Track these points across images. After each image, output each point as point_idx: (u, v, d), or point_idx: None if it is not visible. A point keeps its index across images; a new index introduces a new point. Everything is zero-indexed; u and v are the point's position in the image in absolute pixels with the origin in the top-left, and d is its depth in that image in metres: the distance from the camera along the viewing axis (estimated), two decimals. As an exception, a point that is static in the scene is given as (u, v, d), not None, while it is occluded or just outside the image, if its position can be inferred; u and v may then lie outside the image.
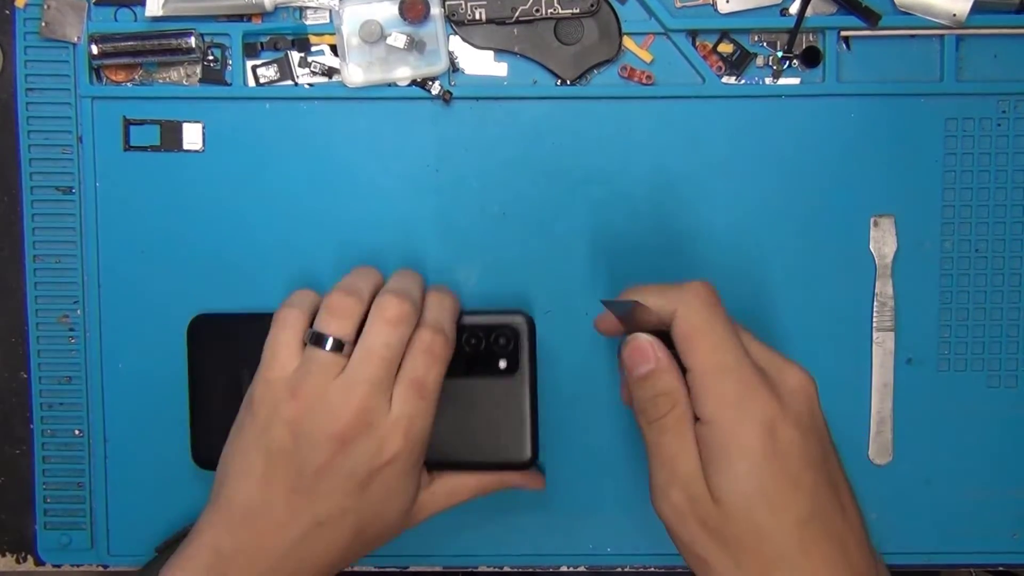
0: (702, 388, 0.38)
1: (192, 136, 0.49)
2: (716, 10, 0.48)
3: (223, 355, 0.47)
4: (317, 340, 0.41)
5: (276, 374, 0.42)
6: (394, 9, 0.47)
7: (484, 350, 0.46)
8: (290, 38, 0.48)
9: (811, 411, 0.38)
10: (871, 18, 0.48)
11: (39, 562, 0.51)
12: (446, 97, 0.48)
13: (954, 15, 0.47)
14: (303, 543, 0.41)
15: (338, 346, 0.41)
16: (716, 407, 0.37)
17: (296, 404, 0.41)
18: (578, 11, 0.48)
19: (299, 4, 0.48)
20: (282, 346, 0.42)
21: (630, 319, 0.40)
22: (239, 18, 0.48)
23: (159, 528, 0.47)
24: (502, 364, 0.46)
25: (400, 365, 0.41)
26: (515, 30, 0.48)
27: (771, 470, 0.36)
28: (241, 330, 0.46)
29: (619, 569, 0.51)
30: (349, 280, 0.43)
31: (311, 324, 0.42)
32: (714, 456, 0.37)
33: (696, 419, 0.38)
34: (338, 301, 0.42)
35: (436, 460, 0.45)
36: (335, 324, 0.41)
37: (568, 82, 0.48)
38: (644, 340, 0.39)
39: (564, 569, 0.51)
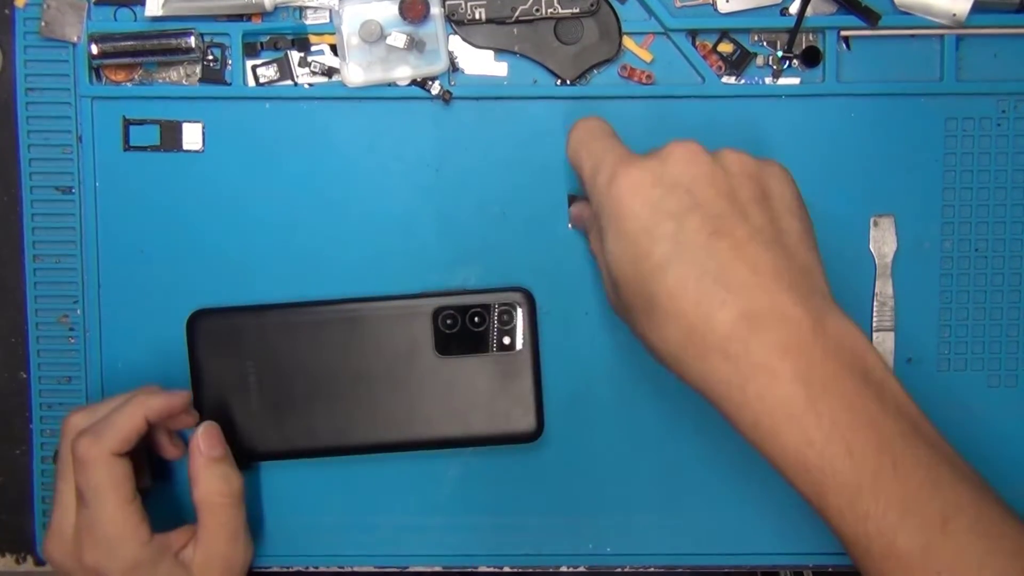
0: (589, 187, 0.40)
1: (192, 136, 0.49)
2: (716, 10, 0.48)
3: (223, 349, 0.47)
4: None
5: None
6: (394, 9, 0.47)
7: (486, 328, 0.47)
8: (290, 38, 0.48)
9: (688, 167, 0.38)
10: (871, 18, 0.48)
11: (39, 562, 0.51)
12: (446, 97, 0.48)
13: (954, 15, 0.47)
14: None
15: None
16: (597, 195, 0.39)
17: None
18: (578, 11, 0.48)
19: (299, 4, 0.48)
20: None
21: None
22: (239, 18, 0.48)
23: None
24: (505, 340, 0.47)
25: None
26: (515, 30, 0.48)
27: (635, 230, 0.37)
28: (241, 323, 0.47)
29: (619, 569, 0.51)
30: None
31: None
32: (602, 224, 0.39)
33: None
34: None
35: (446, 437, 0.47)
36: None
37: (568, 82, 0.48)
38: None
39: (564, 569, 0.51)
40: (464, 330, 0.47)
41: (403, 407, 0.47)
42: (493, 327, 0.47)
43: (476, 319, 0.47)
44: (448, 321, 0.47)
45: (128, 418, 0.44)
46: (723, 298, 0.35)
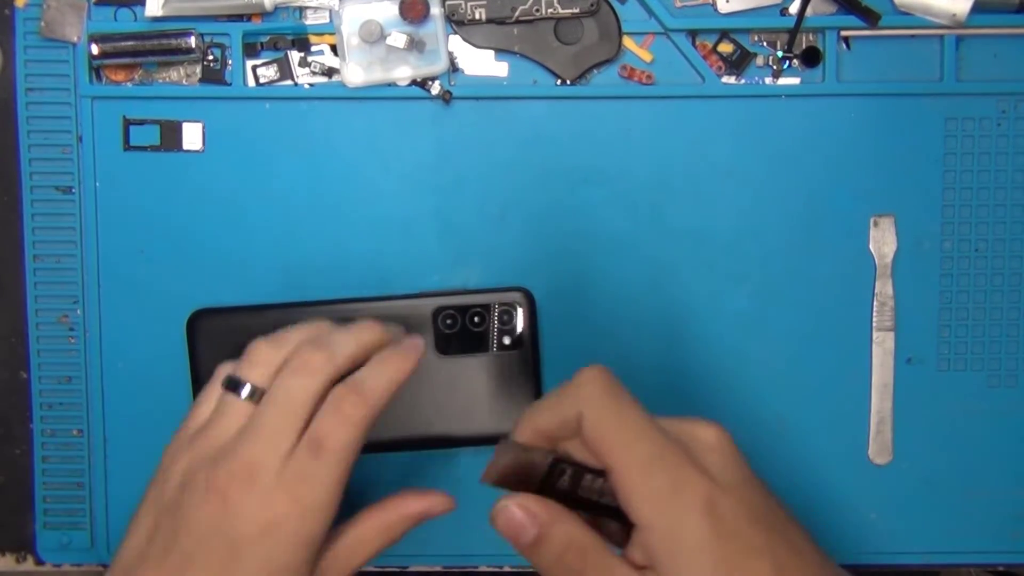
0: (631, 488, 0.34)
1: (192, 136, 0.49)
2: (716, 10, 0.48)
3: (224, 349, 0.46)
4: (231, 386, 0.39)
5: (189, 424, 0.39)
6: (394, 9, 0.47)
7: (486, 327, 0.47)
8: (290, 38, 0.48)
9: (737, 464, 0.35)
10: (871, 18, 0.48)
11: (39, 562, 0.51)
12: (446, 97, 0.48)
13: (954, 15, 0.47)
14: None
15: (253, 394, 0.38)
16: (652, 507, 0.33)
17: (192, 453, 0.38)
18: (578, 11, 0.48)
19: (299, 4, 0.48)
20: (205, 397, 0.40)
21: (515, 466, 0.36)
22: (239, 18, 0.48)
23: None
24: (505, 340, 0.47)
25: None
26: (515, 30, 0.48)
27: (725, 553, 0.33)
28: (241, 323, 0.47)
29: (619, 569, 0.51)
30: (283, 331, 0.40)
31: None
32: (663, 561, 0.33)
33: (629, 526, 0.34)
34: (260, 348, 0.39)
35: (445, 436, 0.47)
36: (253, 371, 0.38)
37: (568, 82, 0.48)
38: (511, 505, 0.35)
39: (564, 569, 0.51)
40: (464, 330, 0.47)
41: (404, 406, 0.47)
42: (493, 327, 0.47)
43: (476, 319, 0.47)
44: (448, 321, 0.47)
45: (389, 384, 0.39)
46: None
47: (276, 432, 0.37)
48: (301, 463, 0.37)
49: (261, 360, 0.39)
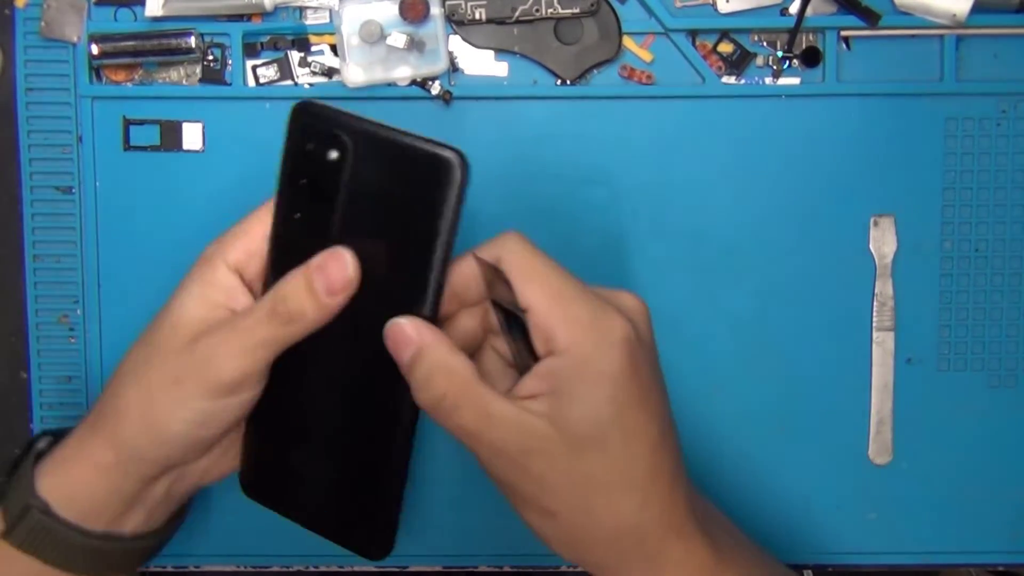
0: (551, 316, 0.34)
1: (192, 136, 0.49)
2: (716, 10, 0.48)
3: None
4: None
5: None
6: (394, 9, 0.47)
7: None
8: (290, 38, 0.48)
9: (650, 330, 0.37)
10: (871, 18, 0.48)
11: (39, 562, 0.51)
12: (446, 97, 0.48)
13: (954, 15, 0.47)
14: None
15: None
16: (571, 332, 0.34)
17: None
18: (578, 11, 0.48)
19: (299, 4, 0.48)
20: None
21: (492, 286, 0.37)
22: (239, 18, 0.48)
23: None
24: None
25: None
26: (515, 30, 0.48)
27: (629, 393, 0.34)
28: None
29: (619, 569, 0.51)
30: None
31: None
32: (567, 386, 0.34)
33: (536, 359, 0.35)
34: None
35: None
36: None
37: (568, 82, 0.48)
38: (401, 321, 0.35)
39: (564, 569, 0.51)
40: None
41: None
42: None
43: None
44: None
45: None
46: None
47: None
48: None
49: None
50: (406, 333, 0.35)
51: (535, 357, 0.36)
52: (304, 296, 0.36)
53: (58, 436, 0.41)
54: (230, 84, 0.49)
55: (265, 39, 0.48)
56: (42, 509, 0.39)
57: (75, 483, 0.39)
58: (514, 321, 0.36)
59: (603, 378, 0.34)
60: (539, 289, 0.35)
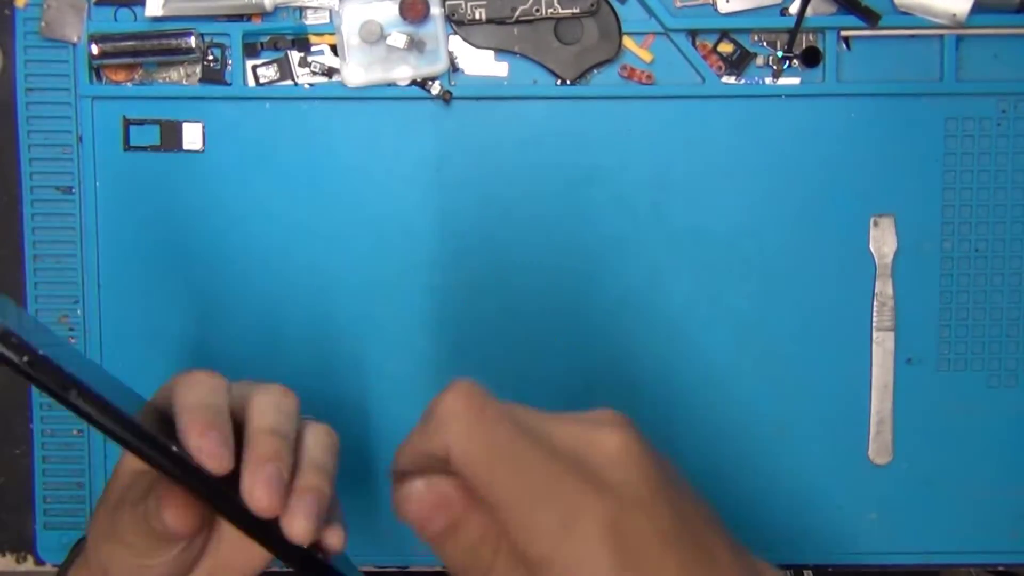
0: (519, 526, 0.29)
1: (192, 136, 0.49)
2: (716, 10, 0.48)
3: None
4: None
5: None
6: (394, 9, 0.47)
7: None
8: (290, 38, 0.48)
9: (644, 474, 0.30)
10: (871, 18, 0.48)
11: (39, 562, 0.51)
12: (446, 97, 0.48)
13: (954, 15, 0.47)
14: None
15: None
16: (544, 545, 0.29)
17: None
18: (578, 11, 0.48)
19: (299, 4, 0.48)
20: None
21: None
22: (239, 18, 0.48)
23: None
24: None
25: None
26: (515, 30, 0.48)
27: None
28: None
29: (619, 569, 0.51)
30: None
31: None
32: None
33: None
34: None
35: None
36: None
37: (568, 82, 0.48)
38: (422, 486, 0.30)
39: (564, 569, 0.51)
40: None
41: None
42: None
43: None
44: None
45: None
46: None
47: None
48: None
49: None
50: (427, 500, 0.30)
51: None
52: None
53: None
54: (230, 84, 0.49)
55: (265, 39, 0.48)
56: None
57: None
58: None
59: None
60: (500, 489, 0.29)
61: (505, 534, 0.29)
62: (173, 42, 0.47)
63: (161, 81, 0.49)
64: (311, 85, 0.49)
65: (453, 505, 0.30)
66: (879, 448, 0.50)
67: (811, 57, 0.48)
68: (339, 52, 0.48)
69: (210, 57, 0.48)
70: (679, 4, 0.48)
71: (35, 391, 0.50)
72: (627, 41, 0.48)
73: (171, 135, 0.49)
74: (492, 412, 0.30)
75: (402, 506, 0.30)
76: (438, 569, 0.51)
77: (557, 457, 0.29)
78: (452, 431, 0.29)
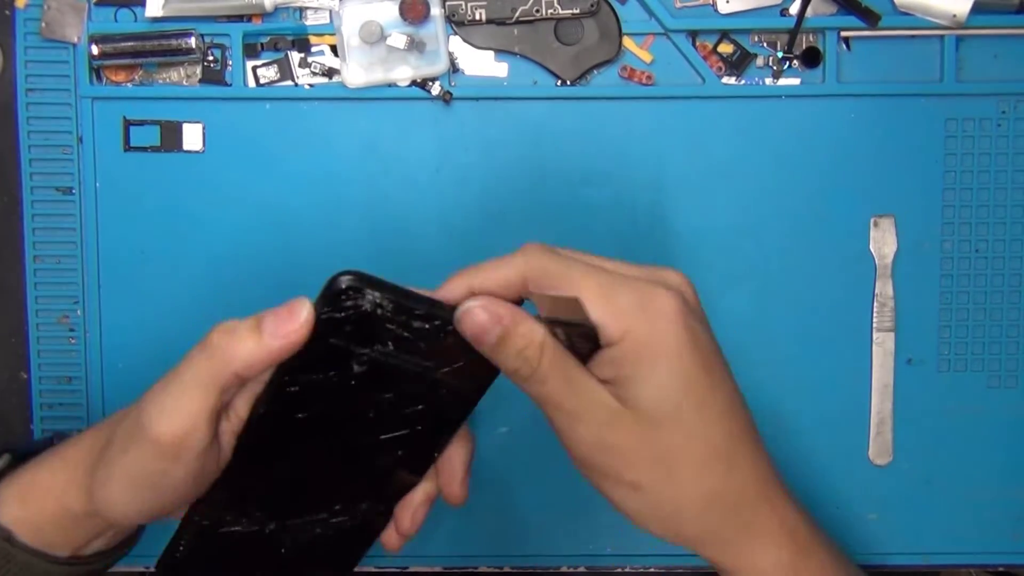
0: (601, 314, 0.34)
1: (192, 136, 0.49)
2: (716, 10, 0.48)
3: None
4: None
5: None
6: (394, 9, 0.47)
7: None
8: (290, 38, 0.48)
9: (698, 302, 0.37)
10: (871, 18, 0.48)
11: (39, 562, 0.51)
12: (446, 97, 0.48)
13: (954, 15, 0.47)
14: None
15: None
16: (622, 321, 0.34)
17: None
18: (578, 11, 0.48)
19: (299, 4, 0.48)
20: None
21: None
22: (239, 18, 0.48)
23: (157, 528, 0.47)
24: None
25: None
26: (515, 30, 0.48)
27: (693, 363, 0.34)
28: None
29: (619, 569, 0.51)
30: None
31: None
32: (631, 370, 0.34)
33: (595, 350, 0.35)
34: None
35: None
36: None
37: (568, 82, 0.48)
38: (475, 307, 0.34)
39: (564, 569, 0.51)
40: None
41: None
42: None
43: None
44: None
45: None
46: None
47: None
48: None
49: None
50: (497, 312, 0.34)
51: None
52: (247, 334, 0.36)
53: (17, 457, 0.41)
54: (230, 85, 0.49)
55: (265, 40, 0.48)
56: (4, 536, 0.38)
57: (44, 518, 0.38)
58: (571, 331, 0.35)
59: (663, 356, 0.34)
60: (580, 284, 0.34)
61: (547, 343, 0.34)
62: (173, 43, 0.47)
63: (161, 82, 0.49)
64: (311, 86, 0.49)
65: (503, 319, 0.34)
66: (879, 448, 0.50)
67: (811, 58, 0.48)
68: (339, 53, 0.48)
69: (210, 58, 0.48)
70: (679, 5, 0.48)
71: (35, 392, 0.50)
72: (627, 42, 0.48)
73: (171, 136, 0.49)
74: (565, 250, 0.36)
75: (461, 322, 0.34)
76: (438, 569, 0.51)
77: (630, 267, 0.36)
78: (534, 253, 0.35)
